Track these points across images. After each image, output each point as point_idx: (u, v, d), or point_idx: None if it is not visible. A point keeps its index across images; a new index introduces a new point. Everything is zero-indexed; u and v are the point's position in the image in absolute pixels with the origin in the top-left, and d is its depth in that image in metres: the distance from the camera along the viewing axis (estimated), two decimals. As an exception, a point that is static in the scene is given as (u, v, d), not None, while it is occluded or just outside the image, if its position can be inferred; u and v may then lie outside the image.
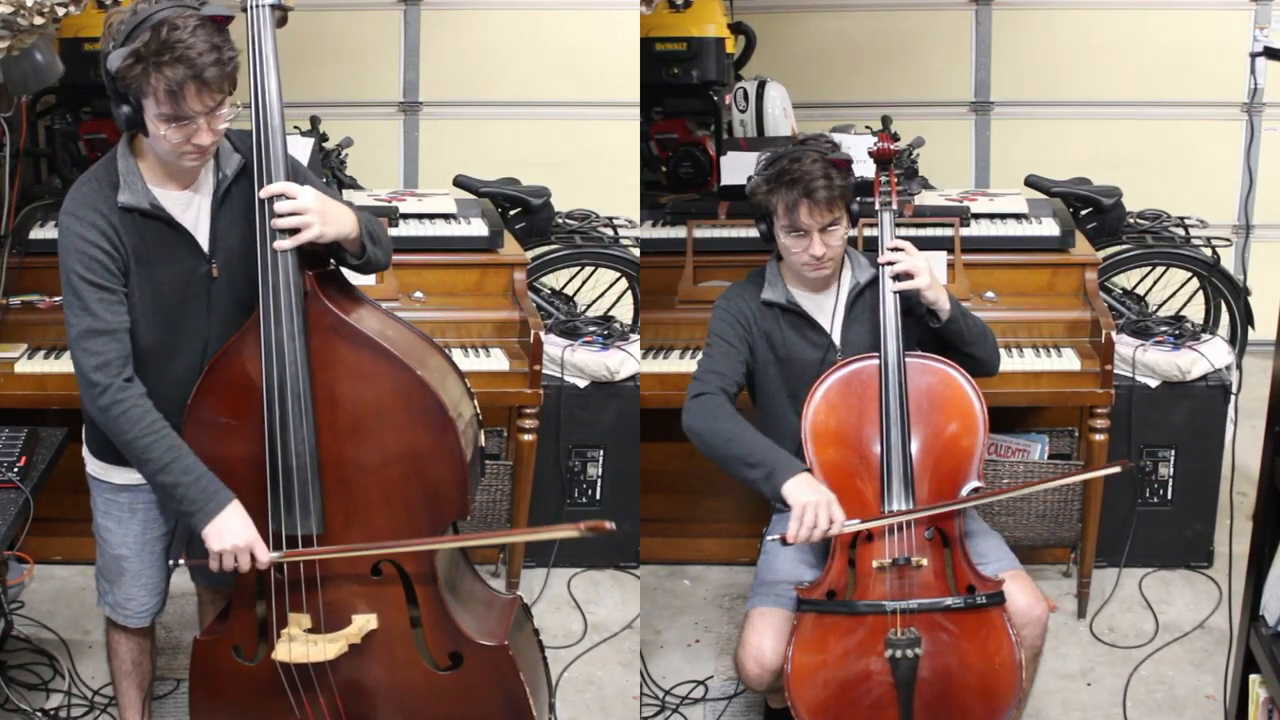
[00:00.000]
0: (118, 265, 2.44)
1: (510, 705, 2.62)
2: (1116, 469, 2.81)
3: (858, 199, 2.87)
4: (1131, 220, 4.33)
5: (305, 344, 2.45)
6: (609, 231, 4.36)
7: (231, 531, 2.46)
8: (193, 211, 2.51)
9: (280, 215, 2.40)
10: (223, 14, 2.34)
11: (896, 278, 2.78)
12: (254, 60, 2.41)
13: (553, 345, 3.82)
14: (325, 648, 2.56)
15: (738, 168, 3.89)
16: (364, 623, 2.58)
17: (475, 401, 2.64)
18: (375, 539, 2.53)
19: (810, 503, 2.62)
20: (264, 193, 2.42)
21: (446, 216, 3.95)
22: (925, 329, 2.86)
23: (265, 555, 2.49)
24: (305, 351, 2.45)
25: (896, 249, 2.80)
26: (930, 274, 2.79)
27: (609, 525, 2.38)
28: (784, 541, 2.64)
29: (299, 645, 2.56)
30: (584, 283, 4.39)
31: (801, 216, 2.77)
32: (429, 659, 2.61)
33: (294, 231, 2.41)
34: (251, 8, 2.41)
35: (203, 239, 2.51)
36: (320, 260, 2.53)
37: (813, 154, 2.79)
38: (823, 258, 2.82)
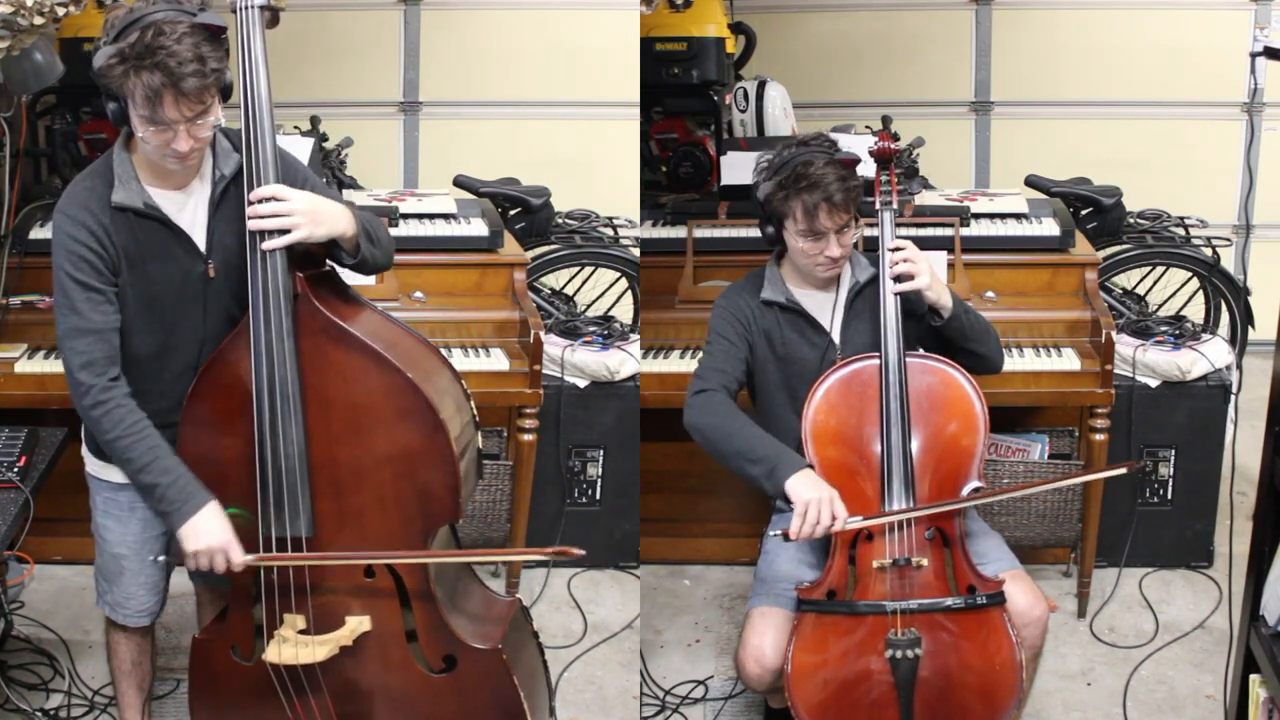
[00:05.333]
0: (107, 265, 2.44)
1: (505, 709, 2.61)
2: (1122, 470, 2.83)
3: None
4: (1131, 220, 4.33)
5: (295, 346, 2.44)
6: (609, 231, 4.35)
7: (207, 532, 2.47)
8: (189, 211, 2.50)
9: (262, 216, 2.39)
10: (217, 24, 2.32)
11: (897, 279, 2.78)
12: (244, 62, 2.40)
13: (553, 345, 3.81)
14: (315, 649, 2.55)
15: (738, 168, 3.88)
16: (357, 624, 2.58)
17: (473, 404, 2.63)
18: (366, 542, 2.53)
19: (813, 499, 2.62)
20: (254, 195, 2.41)
21: (446, 216, 3.95)
22: (926, 328, 2.87)
23: (240, 557, 2.49)
24: (295, 354, 2.44)
25: (897, 249, 2.80)
26: (931, 273, 2.79)
27: (577, 551, 2.51)
28: (786, 537, 2.65)
29: (289, 646, 2.56)
30: (584, 283, 4.38)
31: (822, 220, 2.77)
32: (423, 661, 2.61)
33: (283, 231, 2.40)
34: (241, 9, 2.40)
35: (199, 239, 2.51)
36: (314, 260, 2.52)
37: (822, 156, 2.79)
38: (839, 259, 2.84)
